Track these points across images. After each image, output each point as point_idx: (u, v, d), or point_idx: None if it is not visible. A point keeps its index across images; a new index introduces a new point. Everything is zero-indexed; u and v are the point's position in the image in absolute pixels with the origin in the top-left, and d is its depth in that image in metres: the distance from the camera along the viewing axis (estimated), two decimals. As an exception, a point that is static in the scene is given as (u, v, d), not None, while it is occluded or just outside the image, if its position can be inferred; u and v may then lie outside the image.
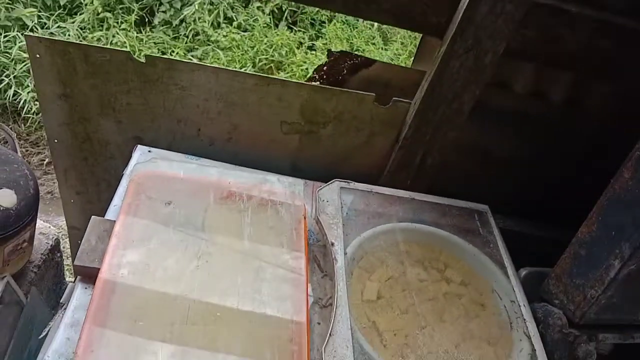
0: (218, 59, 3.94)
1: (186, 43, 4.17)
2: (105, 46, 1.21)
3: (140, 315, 0.88)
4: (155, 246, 0.98)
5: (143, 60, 1.20)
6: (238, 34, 4.24)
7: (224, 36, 4.26)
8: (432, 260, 1.15)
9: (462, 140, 1.25)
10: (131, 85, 1.24)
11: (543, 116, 1.25)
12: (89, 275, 0.96)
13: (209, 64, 1.23)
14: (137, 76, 1.23)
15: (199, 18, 4.24)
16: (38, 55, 1.20)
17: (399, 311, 1.04)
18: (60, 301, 1.43)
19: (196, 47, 4.21)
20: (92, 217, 1.03)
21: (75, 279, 0.99)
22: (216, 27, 4.34)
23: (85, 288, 0.96)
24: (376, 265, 1.10)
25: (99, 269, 0.93)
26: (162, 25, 4.25)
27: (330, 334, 0.91)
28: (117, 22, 3.95)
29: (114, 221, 1.02)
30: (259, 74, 1.26)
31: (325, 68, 1.29)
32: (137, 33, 4.01)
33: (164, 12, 4.28)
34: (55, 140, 1.36)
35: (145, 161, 1.14)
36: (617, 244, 0.99)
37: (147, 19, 4.23)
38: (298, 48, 4.37)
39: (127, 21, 3.97)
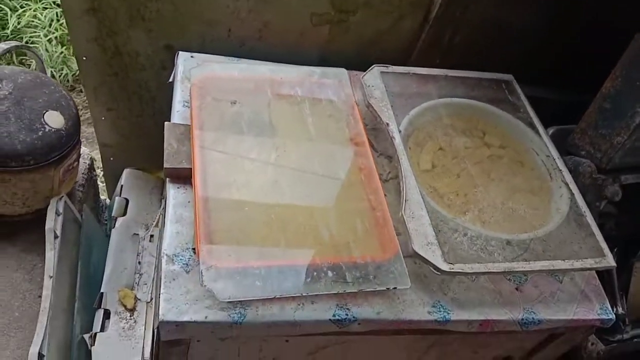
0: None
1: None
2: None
3: (241, 199, 0.96)
4: (235, 142, 1.05)
5: (172, -37, 1.19)
6: None
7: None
8: (472, 129, 1.26)
9: (486, 16, 1.32)
10: (160, -9, 1.24)
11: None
12: (178, 176, 1.03)
13: (238, -39, 1.23)
14: (166, -19, 1.22)
15: None
16: (63, -31, 1.18)
17: (454, 176, 1.16)
18: (112, 214, 1.51)
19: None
20: (166, 123, 1.08)
21: (165, 181, 1.05)
22: None
23: (178, 187, 1.03)
24: (426, 139, 1.20)
25: (189, 169, 1.00)
26: None
27: (405, 200, 1.03)
28: None
29: (187, 125, 1.08)
30: (289, -34, 1.26)
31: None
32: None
33: None
34: (84, 58, 1.36)
35: (197, 65, 1.17)
36: (641, 93, 1.11)
37: None
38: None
39: None
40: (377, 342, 1.06)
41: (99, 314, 1.37)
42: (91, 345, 1.31)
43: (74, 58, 2.57)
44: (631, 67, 1.13)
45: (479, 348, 1.17)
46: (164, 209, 1.02)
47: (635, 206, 1.35)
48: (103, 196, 1.84)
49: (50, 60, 2.58)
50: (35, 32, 2.61)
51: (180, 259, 0.94)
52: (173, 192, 1.02)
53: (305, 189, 1.03)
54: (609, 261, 1.07)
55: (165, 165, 1.01)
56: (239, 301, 0.89)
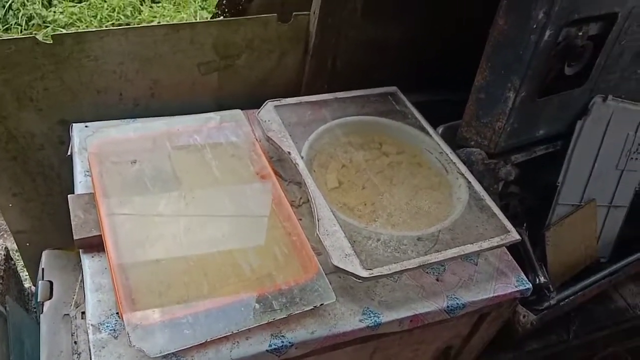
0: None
1: (21, 32, 3.88)
2: (8, 37, 1.19)
3: (156, 253, 0.98)
4: (141, 200, 1.07)
5: (50, 40, 1.21)
6: (74, 6, 4.01)
7: (61, 12, 4.01)
8: (369, 142, 1.34)
9: (360, 38, 1.42)
10: (44, 69, 1.25)
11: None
12: (90, 245, 1.03)
13: (116, 27, 1.26)
14: (47, 59, 1.24)
15: (27, 0, 3.94)
16: None
17: (359, 188, 1.22)
18: (38, 300, 1.47)
19: (34, 32, 3.93)
20: (69, 195, 1.08)
21: (79, 252, 1.05)
22: (48, 5, 4.06)
23: (92, 257, 1.03)
24: (328, 160, 1.27)
25: (100, 236, 1.01)
26: (-13, 19, 3.90)
27: (318, 219, 1.08)
28: None
29: (91, 193, 1.08)
30: (166, 23, 1.31)
31: (224, 1, 1.36)
32: (-39, 33, 3.66)
33: (-18, 5, 3.91)
34: (-23, 148, 1.34)
35: (93, 134, 1.18)
36: (507, 79, 1.23)
37: (-32, 17, 3.86)
38: (142, 4, 4.23)
39: (-55, 23, 3.60)
40: (320, 361, 1.09)
41: (42, 405, 1.32)
42: None
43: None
44: (493, 58, 1.25)
45: (419, 345, 1.22)
46: (82, 280, 1.02)
47: (532, 181, 1.47)
48: (27, 284, 1.77)
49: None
50: None
51: (107, 326, 0.94)
52: (88, 262, 1.02)
53: (220, 230, 1.06)
54: (514, 236, 1.16)
55: (75, 237, 1.01)
56: (173, 354, 0.90)
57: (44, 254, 1.57)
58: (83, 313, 1.49)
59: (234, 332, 0.92)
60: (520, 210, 1.50)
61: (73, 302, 1.49)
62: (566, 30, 1.19)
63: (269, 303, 0.95)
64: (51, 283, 1.52)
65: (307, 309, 0.97)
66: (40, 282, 1.52)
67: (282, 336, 0.97)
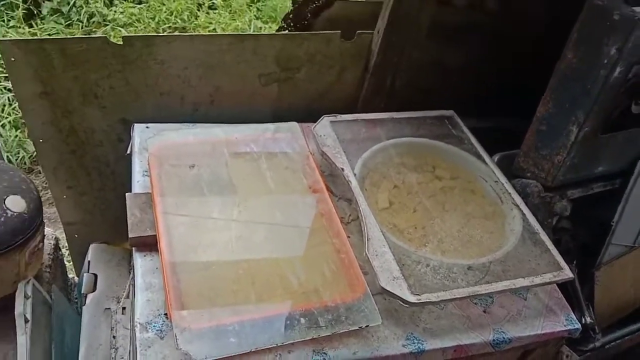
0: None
1: (82, 28, 4.01)
2: (81, 36, 1.24)
3: (208, 259, 0.99)
4: (197, 204, 1.08)
5: (120, 42, 1.25)
6: (134, 7, 4.13)
7: (121, 12, 4.13)
8: (422, 165, 1.32)
9: (423, 59, 1.41)
10: (111, 69, 1.29)
11: (483, 25, 1.43)
12: (144, 244, 1.05)
13: (184, 34, 1.29)
14: (116, 59, 1.27)
15: (90, -1, 4.07)
16: (13, 59, 1.21)
17: (411, 211, 1.21)
18: (82, 291, 1.50)
19: (94, 29, 4.06)
20: (127, 194, 1.11)
21: (131, 251, 1.07)
22: (109, 4, 4.19)
23: (145, 255, 1.05)
24: (380, 179, 1.26)
25: (154, 236, 1.03)
26: (52, 15, 4.05)
27: (368, 239, 1.07)
28: (4, 21, 3.72)
29: (148, 193, 1.11)
30: (232, 32, 1.33)
31: (290, 15, 1.38)
32: (28, 28, 3.80)
33: (51, 0, 4.06)
34: (41, 140, 1.38)
35: (153, 136, 1.21)
36: (572, 112, 1.20)
37: (34, 11, 4.01)
38: (199, 10, 4.32)
39: (14, 17, 3.74)
40: (358, 382, 1.08)
41: (78, 395, 1.35)
42: None
43: (29, 140, 2.59)
44: (559, 91, 1.22)
45: (458, 375, 1.20)
46: (133, 278, 1.03)
47: (586, 218, 1.42)
48: (71, 274, 1.82)
49: (6, 145, 2.58)
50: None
51: (154, 326, 0.95)
52: (140, 261, 1.04)
53: (270, 240, 1.06)
54: (567, 273, 1.13)
55: (130, 234, 1.03)
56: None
57: (91, 247, 1.61)
58: (124, 308, 1.52)
59: (278, 344, 0.91)
60: (572, 247, 1.45)
61: (117, 297, 1.52)
62: (637, 67, 1.16)
63: (314, 319, 0.95)
64: (95, 276, 1.56)
65: (353, 329, 0.96)
66: (85, 274, 1.56)
67: (325, 353, 0.96)
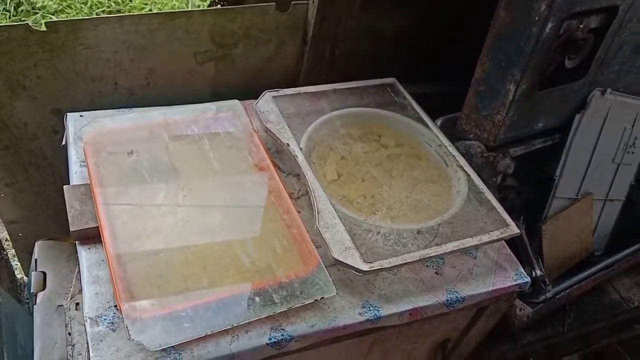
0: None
1: (10, 18, 3.81)
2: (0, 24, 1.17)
3: (154, 246, 0.97)
4: (138, 191, 1.05)
5: (44, 28, 1.18)
6: (64, -8, 3.94)
7: (50, -1, 3.94)
8: (368, 134, 1.33)
9: (359, 28, 1.40)
10: (37, 57, 1.22)
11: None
12: (87, 237, 1.02)
13: (111, 15, 1.24)
14: (41, 47, 1.21)
15: (14, -14, 3.87)
16: None
17: (359, 181, 1.21)
18: (32, 290, 1.45)
19: (23, 19, 3.86)
20: (65, 186, 1.06)
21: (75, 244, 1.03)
22: (36, -9, 3.99)
23: (89, 248, 1.02)
24: (327, 151, 1.25)
25: (97, 227, 0.99)
26: (-27, 7, 3.83)
27: (318, 212, 1.07)
28: None
29: (86, 184, 1.07)
30: (161, 11, 1.28)
31: (222, -10, 1.35)
32: (-51, 20, 3.59)
33: (-32, -9, 3.83)
34: (-31, 138, 1.31)
35: (88, 123, 1.16)
36: (508, 71, 1.22)
37: (-49, 5, 3.78)
38: (133, -9, 4.15)
39: None
40: (319, 355, 1.08)
41: (35, 397, 1.31)
42: None
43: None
44: (495, 50, 1.24)
45: (417, 338, 1.22)
46: (79, 272, 1.00)
47: (530, 174, 1.46)
48: (20, 274, 1.75)
49: None
50: None
51: (105, 319, 0.93)
52: (85, 254, 1.01)
53: (219, 222, 1.05)
54: (513, 229, 1.16)
55: (72, 228, 0.99)
56: (172, 347, 0.89)
57: (37, 244, 1.55)
58: (77, 304, 1.47)
59: (235, 325, 0.91)
60: (518, 204, 1.49)
61: (68, 294, 1.47)
62: (567, 22, 1.18)
63: (269, 296, 0.94)
64: (44, 274, 1.50)
65: (308, 302, 0.96)
66: (33, 272, 1.50)
67: (282, 329, 0.96)
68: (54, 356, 1.38)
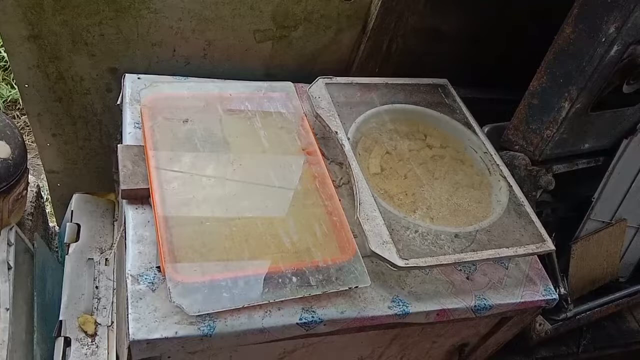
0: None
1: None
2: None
3: (201, 214, 0.99)
4: (190, 159, 1.07)
5: (114, -13, 1.21)
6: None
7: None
8: (414, 132, 1.33)
9: (419, 24, 1.40)
10: (103, 15, 1.24)
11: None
12: (136, 197, 1.04)
13: (180, -17, 1.25)
14: (108, 5, 1.23)
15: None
16: (0, -2, 1.17)
17: (401, 177, 1.22)
18: (65, 241, 1.49)
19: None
20: (118, 145, 1.09)
21: (117, 203, 1.06)
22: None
23: (136, 208, 1.04)
24: (373, 144, 1.26)
25: (147, 189, 1.02)
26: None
27: (359, 203, 1.08)
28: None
29: (140, 146, 1.09)
30: (229, -14, 1.29)
31: (291, -28, 1.35)
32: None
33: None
34: (26, 85, 1.34)
35: (146, 87, 1.18)
36: (565, 88, 1.22)
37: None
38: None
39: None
40: (342, 340, 1.11)
41: (59, 343, 1.36)
42: (54, 375, 1.29)
43: (3, 84, 2.51)
44: (554, 65, 1.23)
45: (437, 337, 1.24)
46: (124, 230, 1.03)
47: (567, 193, 1.46)
48: (52, 223, 1.80)
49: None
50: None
51: (145, 278, 0.95)
52: (132, 213, 1.03)
53: (264, 200, 1.07)
54: (549, 245, 1.16)
55: (122, 186, 1.02)
56: (208, 314, 0.92)
57: (75, 197, 1.60)
58: (107, 260, 1.51)
59: (270, 301, 0.93)
60: (552, 220, 1.50)
61: (100, 248, 1.51)
62: (633, 47, 1.18)
63: (306, 278, 0.96)
64: (79, 226, 1.55)
65: (342, 289, 0.98)
66: (68, 223, 1.54)
67: (313, 311, 0.98)
68: (80, 306, 1.42)
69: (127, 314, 0.91)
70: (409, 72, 1.42)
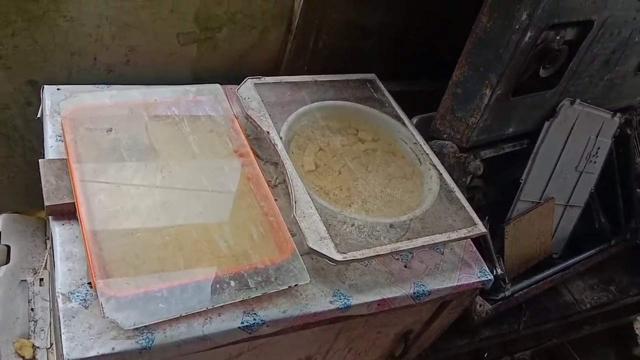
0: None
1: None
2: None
3: (131, 225, 0.97)
4: (116, 170, 1.04)
5: (24, -5, 1.16)
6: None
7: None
8: (346, 127, 1.35)
9: (343, 20, 1.42)
10: (15, 26, 1.19)
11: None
12: (62, 212, 1.00)
13: (95, -12, 1.21)
14: (20, 15, 1.18)
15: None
16: None
17: (336, 173, 1.23)
18: None
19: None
20: (40, 160, 1.05)
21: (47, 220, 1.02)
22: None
23: (63, 224, 1.01)
24: (306, 142, 1.27)
25: (72, 203, 0.98)
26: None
27: (295, 201, 1.08)
28: None
29: (63, 159, 1.05)
30: (148, -10, 1.27)
31: (210, -26, 1.33)
32: None
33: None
34: (-63, 106, 1.27)
35: (66, 98, 1.14)
36: (485, 76, 1.26)
37: None
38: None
39: None
40: (288, 340, 1.11)
41: (-6, 372, 1.29)
42: (-10, 407, 1.23)
43: None
44: (474, 55, 1.27)
45: (382, 327, 1.26)
46: (52, 248, 0.99)
47: (496, 176, 1.52)
48: (-21, 248, 1.71)
49: None
50: None
51: (77, 296, 0.92)
52: (59, 230, 1.00)
53: (197, 206, 1.05)
54: (480, 228, 1.20)
55: (47, 202, 0.98)
56: (145, 327, 0.90)
57: (2, 217, 1.52)
58: (42, 280, 1.45)
59: (209, 308, 0.92)
60: (484, 204, 1.55)
61: (33, 269, 1.45)
62: (545, 33, 1.23)
63: (244, 281, 0.96)
64: (9, 247, 1.47)
65: (282, 288, 0.98)
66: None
67: (255, 314, 0.98)
68: (16, 331, 1.36)
69: (60, 334, 0.88)
70: (338, 69, 1.44)
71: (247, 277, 0.96)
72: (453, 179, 1.31)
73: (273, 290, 0.97)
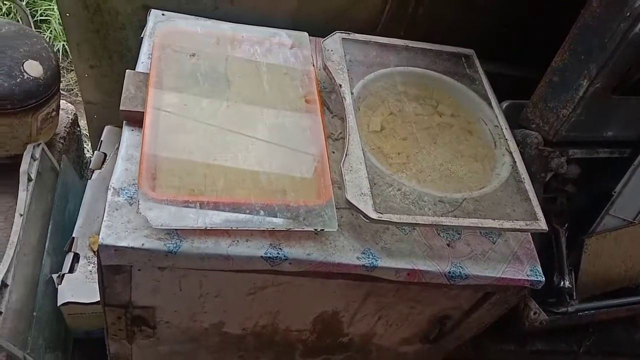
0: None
1: None
2: None
3: (187, 143, 1.03)
4: (189, 91, 1.12)
5: None
6: None
7: None
8: (426, 98, 1.31)
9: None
10: (135, -48, 1.31)
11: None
12: (134, 119, 1.10)
13: None
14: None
15: None
16: None
17: (400, 138, 1.21)
18: (90, 167, 1.59)
19: None
20: (127, 70, 1.15)
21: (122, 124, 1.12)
22: None
23: (132, 130, 1.10)
24: (378, 103, 1.26)
25: (142, 112, 1.07)
26: None
27: (346, 154, 1.08)
28: None
29: (146, 73, 1.15)
30: None
31: None
32: None
33: None
34: (67, 14, 1.44)
35: (164, 21, 1.24)
36: (585, 65, 1.15)
37: None
38: None
39: None
40: (313, 286, 1.12)
41: (69, 257, 1.46)
42: (58, 284, 1.39)
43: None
44: (577, 41, 1.17)
45: (415, 303, 1.22)
46: (118, 148, 1.09)
47: (586, 183, 1.39)
48: (88, 153, 1.92)
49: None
50: (50, 5, 2.74)
51: (126, 193, 1.01)
52: (128, 134, 1.09)
53: (250, 138, 1.09)
54: (541, 225, 1.11)
55: (121, 107, 1.08)
56: (176, 232, 0.96)
57: (106, 128, 1.70)
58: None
59: (232, 228, 0.96)
60: (567, 209, 1.43)
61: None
62: (664, 27, 1.09)
63: (273, 213, 0.99)
64: (105, 155, 1.64)
65: (307, 229, 0.99)
66: (96, 152, 1.64)
67: (280, 248, 1.00)
68: (93, 228, 1.52)
69: (102, 221, 0.97)
70: (436, 40, 1.39)
71: (277, 210, 0.99)
72: (530, 171, 1.22)
73: (297, 229, 0.99)
